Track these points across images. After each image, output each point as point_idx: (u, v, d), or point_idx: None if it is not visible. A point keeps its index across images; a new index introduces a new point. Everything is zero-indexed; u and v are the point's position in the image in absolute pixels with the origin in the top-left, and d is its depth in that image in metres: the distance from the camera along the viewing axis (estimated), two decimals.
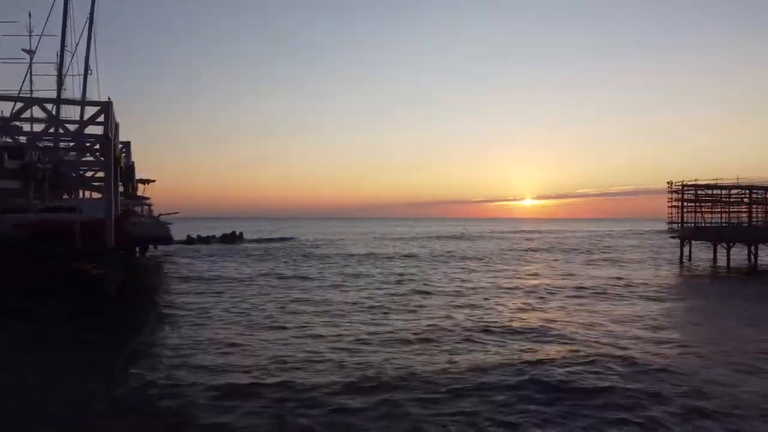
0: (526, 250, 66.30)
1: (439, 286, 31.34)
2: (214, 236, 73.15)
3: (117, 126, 36.38)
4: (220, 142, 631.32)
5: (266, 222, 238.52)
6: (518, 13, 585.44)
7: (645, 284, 33.06)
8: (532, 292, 29.36)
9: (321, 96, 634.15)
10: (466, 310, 23.15)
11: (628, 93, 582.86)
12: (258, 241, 77.53)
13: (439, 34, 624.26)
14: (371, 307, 24.09)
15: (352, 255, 55.08)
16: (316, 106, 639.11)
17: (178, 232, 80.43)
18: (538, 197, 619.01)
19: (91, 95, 51.31)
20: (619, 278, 36.17)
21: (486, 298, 26.73)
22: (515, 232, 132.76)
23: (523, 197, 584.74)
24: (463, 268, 43.12)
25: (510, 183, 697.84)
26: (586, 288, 31.04)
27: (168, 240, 42.47)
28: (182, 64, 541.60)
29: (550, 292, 29.09)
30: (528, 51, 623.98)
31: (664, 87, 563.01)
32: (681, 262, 48.32)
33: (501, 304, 24.91)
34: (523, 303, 25.44)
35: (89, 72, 51.70)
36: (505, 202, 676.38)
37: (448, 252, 61.56)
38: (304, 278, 35.46)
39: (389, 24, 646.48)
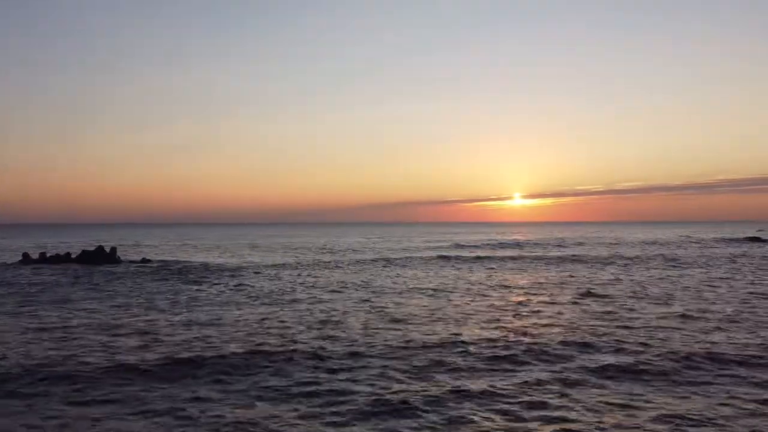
0: None
1: None
2: (69, 254, 46.40)
3: None
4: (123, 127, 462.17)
5: (192, 230, 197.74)
6: None
7: None
8: None
9: (253, 70, 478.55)
10: None
11: (634, 73, 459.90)
12: (142, 262, 45.56)
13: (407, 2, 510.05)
14: None
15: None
16: (251, 83, 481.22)
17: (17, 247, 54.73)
18: (530, 195, 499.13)
19: None
20: None
21: None
22: (541, 243, 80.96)
23: (509, 196, 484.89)
24: None
25: (493, 179, 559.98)
26: None
27: None
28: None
29: None
30: (514, 22, 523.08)
31: (679, 65, 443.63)
32: None
33: None
34: None
35: None
36: (487, 203, 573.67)
37: None
38: None
39: None
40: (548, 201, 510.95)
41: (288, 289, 28.63)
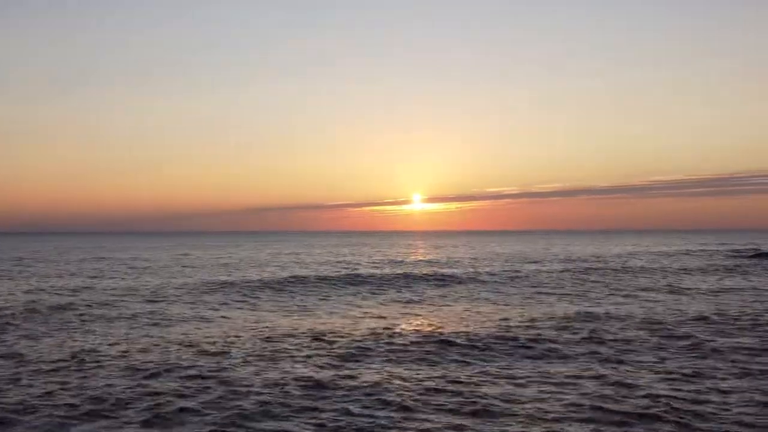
0: None
1: None
2: None
3: None
4: None
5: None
6: None
7: None
8: None
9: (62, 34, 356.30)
10: None
11: (554, 58, 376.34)
12: None
13: None
14: None
15: None
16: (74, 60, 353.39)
17: None
18: (431, 199, 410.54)
19: None
20: None
21: None
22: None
23: (407, 199, 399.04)
24: None
25: (387, 179, 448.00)
26: None
27: None
28: None
29: None
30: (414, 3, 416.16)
31: (607, 50, 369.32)
32: None
33: None
34: None
35: None
36: (381, 207, 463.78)
37: None
38: None
39: None
40: (454, 205, 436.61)
41: None
